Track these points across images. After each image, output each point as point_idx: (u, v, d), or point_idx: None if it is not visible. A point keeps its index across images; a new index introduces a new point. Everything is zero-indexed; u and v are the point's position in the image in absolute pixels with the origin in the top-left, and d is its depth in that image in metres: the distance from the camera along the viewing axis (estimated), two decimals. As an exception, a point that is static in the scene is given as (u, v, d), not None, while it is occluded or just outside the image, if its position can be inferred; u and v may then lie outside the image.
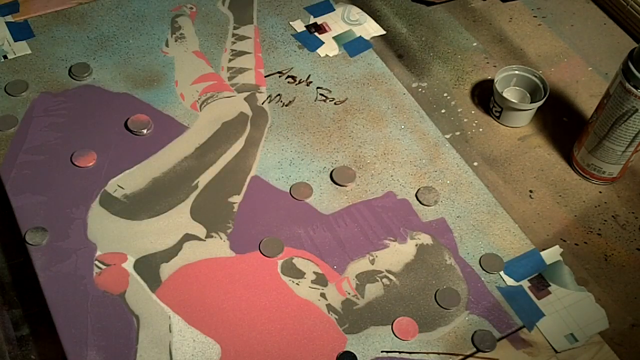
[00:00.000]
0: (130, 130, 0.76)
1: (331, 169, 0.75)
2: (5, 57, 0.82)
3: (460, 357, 0.62)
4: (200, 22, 0.88)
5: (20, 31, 0.85)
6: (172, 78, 0.82)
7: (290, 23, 0.89)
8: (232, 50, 0.85)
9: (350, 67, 0.85)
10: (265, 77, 0.83)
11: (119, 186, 0.72)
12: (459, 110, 0.82)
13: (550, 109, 0.82)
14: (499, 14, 0.93)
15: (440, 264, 0.68)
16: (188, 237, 0.68)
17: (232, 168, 0.74)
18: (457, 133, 0.79)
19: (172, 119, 0.78)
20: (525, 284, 0.67)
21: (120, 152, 0.75)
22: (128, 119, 0.77)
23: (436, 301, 0.65)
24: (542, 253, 0.69)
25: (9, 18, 0.86)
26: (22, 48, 0.83)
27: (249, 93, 0.81)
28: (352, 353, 0.62)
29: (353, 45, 0.87)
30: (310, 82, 0.83)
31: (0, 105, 0.77)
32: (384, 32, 0.89)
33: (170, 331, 0.62)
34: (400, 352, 0.62)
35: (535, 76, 0.80)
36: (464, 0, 0.94)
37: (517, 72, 0.81)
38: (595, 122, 0.72)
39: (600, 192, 0.75)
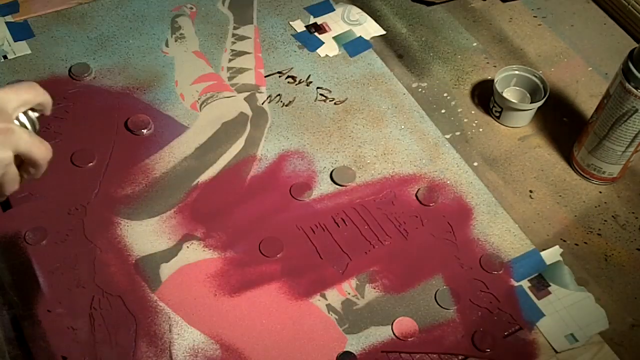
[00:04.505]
0: (130, 130, 0.76)
1: (331, 169, 0.75)
2: (5, 57, 0.82)
3: (461, 357, 0.62)
4: (200, 22, 0.88)
5: (20, 31, 0.85)
6: (172, 78, 0.82)
7: (290, 23, 0.89)
8: (232, 50, 0.85)
9: (350, 67, 0.85)
10: (265, 77, 0.83)
11: (119, 186, 0.72)
12: (459, 110, 0.82)
13: (550, 109, 0.82)
14: (499, 14, 0.93)
15: (441, 264, 0.68)
16: (188, 237, 0.68)
17: (232, 168, 0.74)
18: (457, 133, 0.79)
19: (172, 119, 0.78)
20: (525, 284, 0.67)
21: (120, 152, 0.74)
22: (128, 119, 0.77)
23: (436, 301, 0.65)
24: (542, 253, 0.69)
25: (9, 18, 0.86)
26: (22, 48, 0.83)
27: (249, 93, 0.81)
28: (352, 353, 0.62)
29: (353, 45, 0.87)
30: (310, 82, 0.83)
31: (0, 105, 0.77)
32: (384, 32, 0.89)
33: (170, 331, 0.62)
34: (400, 352, 0.62)
35: (535, 76, 0.80)
36: (464, 0, 0.94)
37: (517, 72, 0.81)
38: (595, 122, 0.72)
39: (600, 192, 0.75)
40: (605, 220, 0.73)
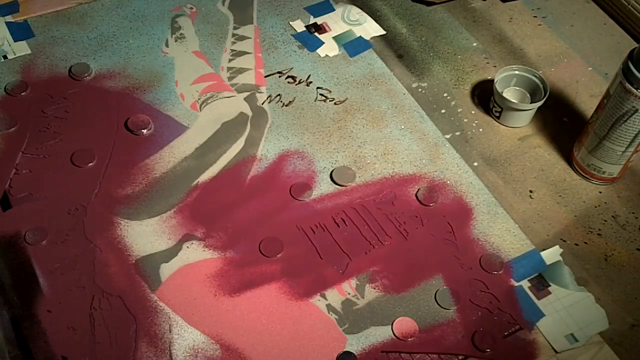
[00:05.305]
0: (130, 130, 0.76)
1: (331, 169, 0.75)
2: (5, 57, 0.82)
3: (461, 357, 0.62)
4: (200, 22, 0.88)
5: (20, 31, 0.85)
6: (172, 78, 0.82)
7: (290, 23, 0.89)
8: (232, 50, 0.85)
9: (350, 67, 0.85)
10: (265, 77, 0.83)
11: (119, 186, 0.72)
12: (459, 110, 0.82)
13: (550, 109, 0.82)
14: (499, 14, 0.93)
15: (441, 264, 0.68)
16: (188, 237, 0.68)
17: (232, 168, 0.74)
18: (457, 133, 0.79)
19: (172, 119, 0.78)
20: (525, 284, 0.67)
21: (120, 152, 0.75)
22: (128, 119, 0.77)
23: (436, 301, 0.65)
24: (542, 253, 0.69)
25: (9, 18, 0.86)
26: (22, 48, 0.83)
27: (249, 93, 0.81)
28: (352, 353, 0.62)
29: (353, 45, 0.87)
30: (310, 82, 0.83)
31: (0, 105, 0.77)
32: (384, 32, 0.89)
33: (170, 331, 0.62)
34: (400, 352, 0.62)
35: (535, 76, 0.80)
36: (464, 0, 0.94)
37: (517, 72, 0.81)
38: (595, 122, 0.72)
39: (600, 192, 0.75)
40: (605, 220, 0.73)
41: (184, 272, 0.66)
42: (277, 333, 0.63)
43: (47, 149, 0.74)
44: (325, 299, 0.65)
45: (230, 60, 0.84)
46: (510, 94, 0.81)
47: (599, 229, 0.72)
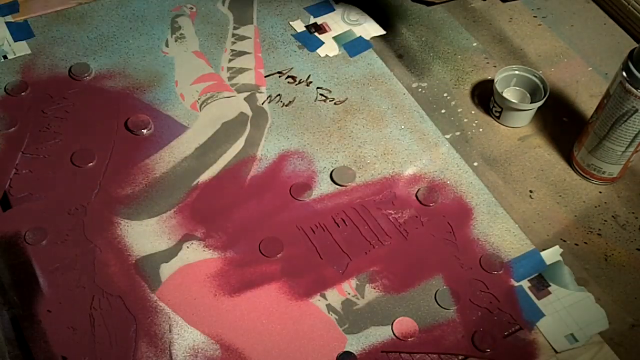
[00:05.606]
0: (130, 130, 0.76)
1: (331, 169, 0.75)
2: (5, 57, 0.82)
3: (461, 357, 0.62)
4: (200, 22, 0.88)
5: (20, 31, 0.85)
6: (172, 78, 0.82)
7: (290, 23, 0.89)
8: (232, 50, 0.85)
9: (350, 67, 0.85)
10: (265, 77, 0.83)
11: (119, 186, 0.72)
12: (459, 110, 0.82)
13: (550, 109, 0.82)
14: (499, 14, 0.93)
15: (441, 264, 0.68)
16: (188, 237, 0.68)
17: (232, 168, 0.74)
18: (457, 133, 0.79)
19: (172, 119, 0.78)
20: (525, 284, 0.67)
21: (120, 152, 0.75)
22: (128, 119, 0.77)
23: (436, 301, 0.65)
24: (542, 253, 0.69)
25: (9, 18, 0.86)
26: (22, 48, 0.83)
27: (249, 93, 0.81)
28: (352, 353, 0.62)
29: (353, 45, 0.87)
30: (310, 82, 0.83)
31: (0, 105, 0.77)
32: (384, 32, 0.89)
33: (170, 331, 0.62)
34: (400, 352, 0.62)
35: (535, 76, 0.80)
36: (464, 0, 0.94)
37: (517, 72, 0.81)
38: (595, 122, 0.72)
39: (600, 192, 0.75)
40: (605, 220, 0.73)
41: (184, 272, 0.66)
42: (277, 333, 0.63)
43: (47, 149, 0.74)
44: (325, 299, 0.65)
45: (230, 60, 0.84)
46: (510, 94, 0.81)
47: (599, 229, 0.72)
